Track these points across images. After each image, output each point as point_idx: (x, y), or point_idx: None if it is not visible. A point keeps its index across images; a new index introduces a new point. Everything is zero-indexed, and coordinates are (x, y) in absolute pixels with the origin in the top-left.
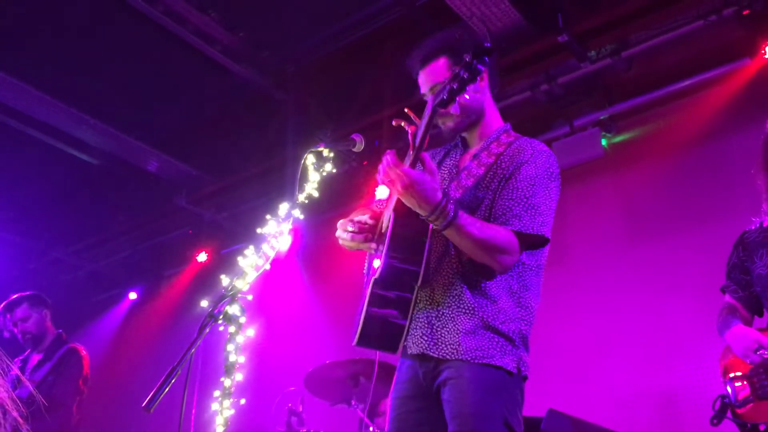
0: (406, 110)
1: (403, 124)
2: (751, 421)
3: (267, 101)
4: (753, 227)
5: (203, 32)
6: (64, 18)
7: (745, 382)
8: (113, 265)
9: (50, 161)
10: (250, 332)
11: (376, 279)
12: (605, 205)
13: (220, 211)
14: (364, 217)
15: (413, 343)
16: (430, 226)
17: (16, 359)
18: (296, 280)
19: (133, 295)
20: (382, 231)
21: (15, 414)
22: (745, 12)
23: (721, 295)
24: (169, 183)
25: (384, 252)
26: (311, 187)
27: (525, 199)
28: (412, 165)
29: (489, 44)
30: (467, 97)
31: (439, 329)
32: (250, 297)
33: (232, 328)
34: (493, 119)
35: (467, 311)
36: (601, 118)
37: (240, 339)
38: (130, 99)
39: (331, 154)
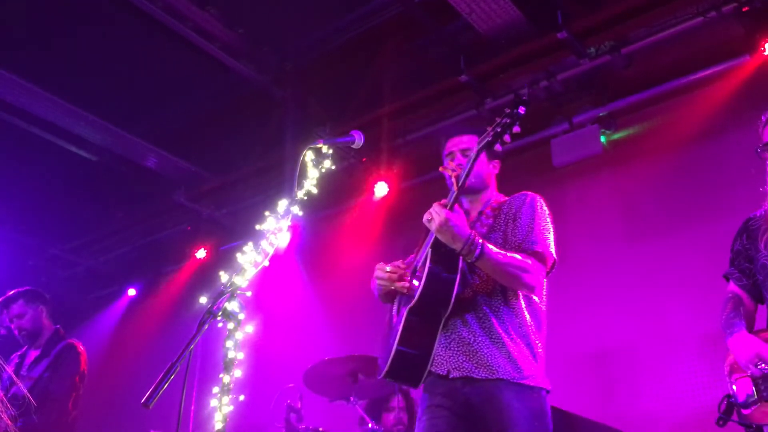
0: (441, 169)
1: (449, 170)
2: (757, 423)
3: (266, 98)
4: (758, 213)
5: (202, 29)
6: (63, 14)
7: (751, 383)
8: (112, 262)
9: (49, 157)
10: (249, 329)
11: (411, 308)
12: (604, 202)
13: (219, 207)
14: (398, 263)
15: (454, 368)
16: (461, 263)
17: (14, 355)
18: (295, 277)
19: (131, 292)
20: (416, 268)
21: (5, 417)
22: (745, 9)
23: (723, 284)
24: (168, 179)
25: (421, 283)
26: (310, 184)
27: (532, 230)
28: (451, 205)
29: (526, 97)
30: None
31: (476, 354)
32: (249, 293)
33: (230, 325)
34: (493, 192)
35: (498, 337)
36: (600, 115)
37: (239, 335)
38: (128, 95)
39: (330, 151)
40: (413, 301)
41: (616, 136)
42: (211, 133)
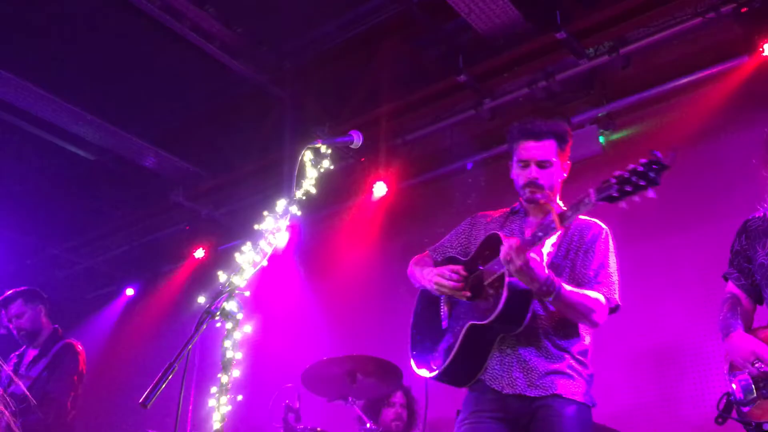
0: (541, 201)
1: (544, 202)
2: (756, 420)
3: (264, 97)
4: (757, 215)
5: (201, 28)
6: (61, 14)
7: (750, 381)
8: (110, 262)
9: (47, 157)
10: (248, 328)
11: (480, 325)
12: (602, 202)
13: (217, 207)
14: (459, 268)
15: (507, 384)
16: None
17: (13, 354)
18: (293, 277)
19: (130, 292)
20: (484, 284)
21: (7, 412)
22: (743, 9)
23: (721, 284)
24: (167, 179)
25: (498, 309)
26: (308, 184)
27: (603, 269)
28: (535, 241)
29: (668, 163)
30: (559, 179)
31: (531, 372)
32: (247, 293)
33: (229, 325)
34: (556, 200)
35: (553, 357)
36: (599, 115)
37: (237, 335)
38: (127, 95)
39: (329, 151)
40: (485, 321)
41: (615, 136)
42: (209, 133)
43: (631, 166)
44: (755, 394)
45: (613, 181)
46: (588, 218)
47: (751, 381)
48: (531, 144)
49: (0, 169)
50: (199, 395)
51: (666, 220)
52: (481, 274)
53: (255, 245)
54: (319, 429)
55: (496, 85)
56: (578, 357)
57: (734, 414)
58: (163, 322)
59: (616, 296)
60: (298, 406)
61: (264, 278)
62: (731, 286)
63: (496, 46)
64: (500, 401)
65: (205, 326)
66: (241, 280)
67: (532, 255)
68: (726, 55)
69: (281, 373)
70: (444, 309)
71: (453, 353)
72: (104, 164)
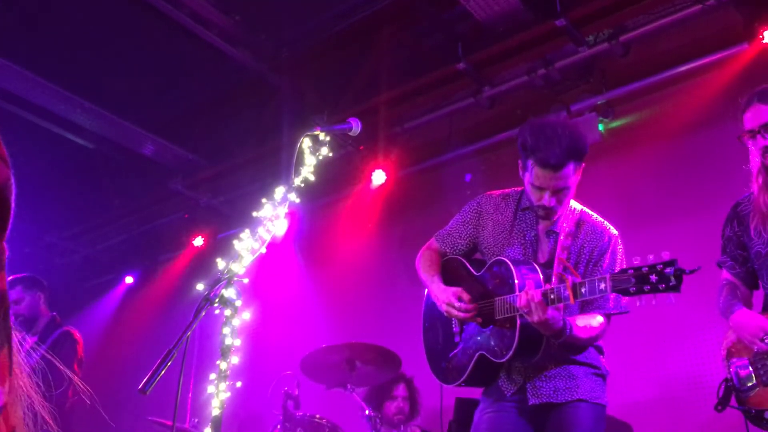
0: (572, 293)
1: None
2: (756, 407)
3: (263, 85)
4: (744, 196)
5: (198, 15)
6: (59, 2)
7: (749, 368)
8: (109, 250)
9: (45, 145)
10: (246, 315)
11: (489, 359)
12: (602, 190)
13: (216, 195)
14: (468, 297)
15: (532, 395)
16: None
17: None
18: (292, 264)
19: (129, 280)
20: (495, 318)
21: (37, 398)
22: None
23: (718, 272)
24: (165, 167)
25: (512, 350)
26: (307, 171)
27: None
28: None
29: (691, 269)
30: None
31: (554, 378)
32: (246, 280)
33: (227, 312)
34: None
35: (574, 361)
36: (598, 103)
37: (236, 322)
38: (125, 82)
39: (327, 138)
40: (497, 361)
41: (614, 124)
42: (208, 121)
43: (650, 262)
44: (755, 380)
45: (631, 272)
46: (601, 221)
47: (750, 367)
48: (548, 174)
49: None
50: (199, 382)
51: (666, 207)
52: (492, 305)
53: (254, 233)
54: (318, 416)
55: (496, 73)
56: (597, 359)
57: (733, 401)
58: (162, 310)
59: (623, 304)
60: (297, 393)
61: (263, 265)
62: (727, 275)
63: (496, 33)
64: (521, 392)
65: (203, 313)
66: (239, 268)
67: (553, 308)
68: (726, 42)
69: (280, 360)
70: (456, 325)
71: (467, 374)
72: (103, 152)
